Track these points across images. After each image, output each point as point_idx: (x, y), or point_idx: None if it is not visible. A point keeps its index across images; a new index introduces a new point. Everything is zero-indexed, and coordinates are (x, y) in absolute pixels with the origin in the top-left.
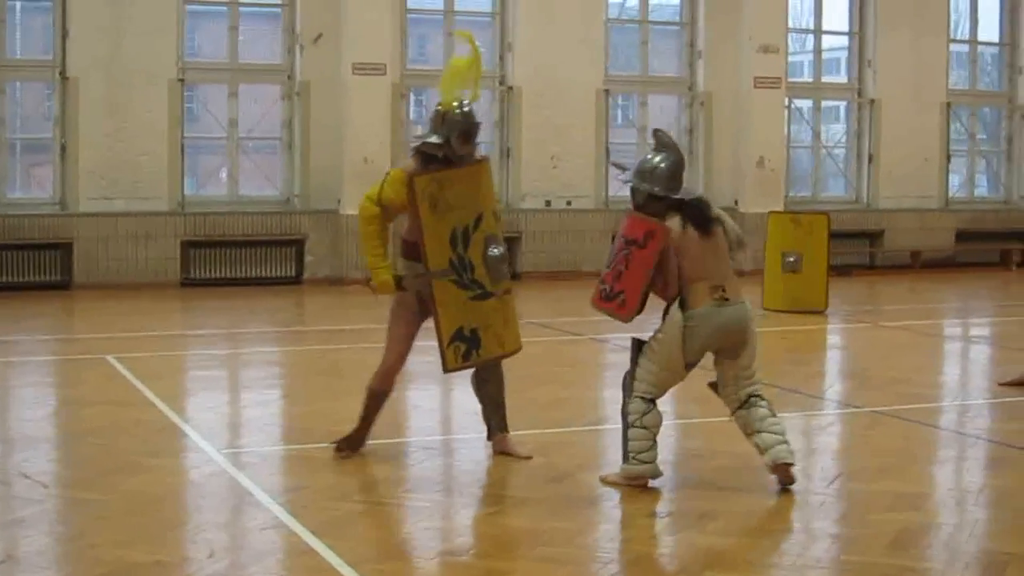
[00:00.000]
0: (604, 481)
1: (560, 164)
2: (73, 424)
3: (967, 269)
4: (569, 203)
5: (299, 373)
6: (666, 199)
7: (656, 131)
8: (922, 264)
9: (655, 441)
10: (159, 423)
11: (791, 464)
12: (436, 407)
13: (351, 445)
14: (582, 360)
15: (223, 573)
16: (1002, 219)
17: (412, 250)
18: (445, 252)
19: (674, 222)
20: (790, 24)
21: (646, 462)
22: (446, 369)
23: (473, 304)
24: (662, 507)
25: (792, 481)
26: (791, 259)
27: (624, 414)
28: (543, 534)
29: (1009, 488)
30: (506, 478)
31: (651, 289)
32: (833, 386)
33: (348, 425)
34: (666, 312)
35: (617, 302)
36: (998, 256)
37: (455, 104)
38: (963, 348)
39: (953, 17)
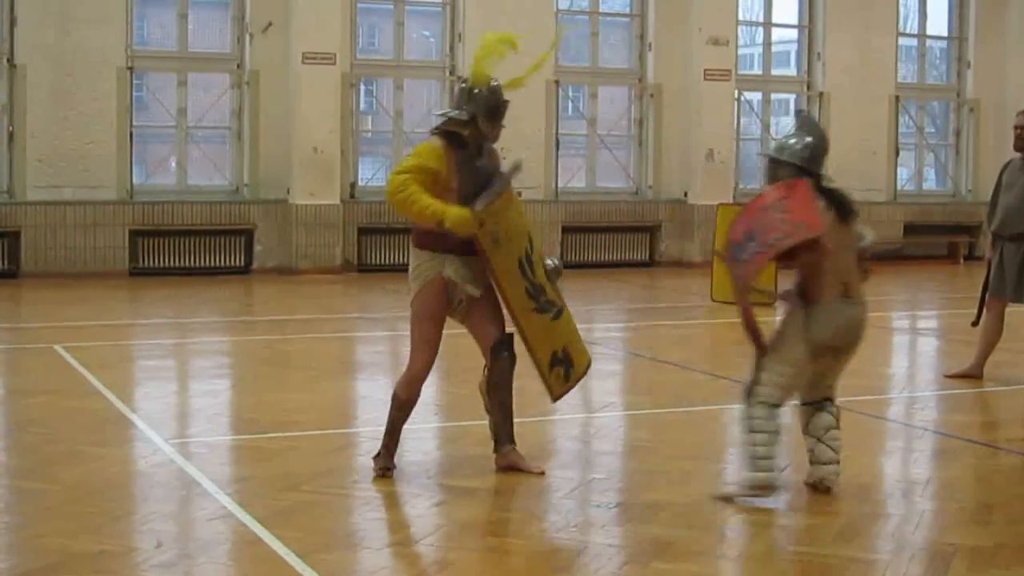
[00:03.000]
0: (732, 499)
1: (509, 155)
2: (19, 413)
3: (915, 262)
4: (520, 194)
5: (247, 363)
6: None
7: (799, 112)
8: (870, 257)
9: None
10: (106, 412)
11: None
12: (385, 398)
13: (387, 462)
14: None
15: (170, 563)
16: (950, 212)
17: (426, 239)
18: (520, 285)
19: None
20: (740, 17)
21: (768, 470)
22: (555, 398)
23: (555, 324)
24: (609, 498)
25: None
26: None
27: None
28: (491, 524)
29: (955, 479)
30: (454, 469)
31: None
32: None
33: (297, 415)
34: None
35: (800, 230)
36: (946, 249)
37: (484, 81)
38: (911, 340)
39: (902, 11)
